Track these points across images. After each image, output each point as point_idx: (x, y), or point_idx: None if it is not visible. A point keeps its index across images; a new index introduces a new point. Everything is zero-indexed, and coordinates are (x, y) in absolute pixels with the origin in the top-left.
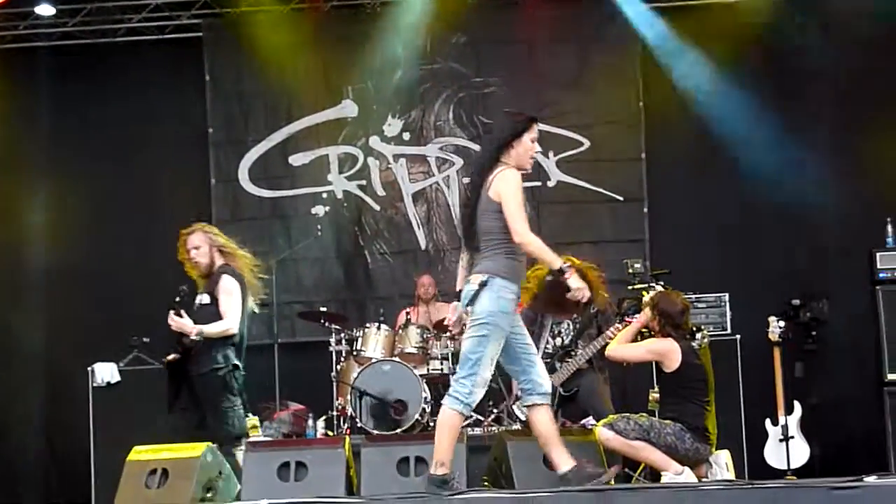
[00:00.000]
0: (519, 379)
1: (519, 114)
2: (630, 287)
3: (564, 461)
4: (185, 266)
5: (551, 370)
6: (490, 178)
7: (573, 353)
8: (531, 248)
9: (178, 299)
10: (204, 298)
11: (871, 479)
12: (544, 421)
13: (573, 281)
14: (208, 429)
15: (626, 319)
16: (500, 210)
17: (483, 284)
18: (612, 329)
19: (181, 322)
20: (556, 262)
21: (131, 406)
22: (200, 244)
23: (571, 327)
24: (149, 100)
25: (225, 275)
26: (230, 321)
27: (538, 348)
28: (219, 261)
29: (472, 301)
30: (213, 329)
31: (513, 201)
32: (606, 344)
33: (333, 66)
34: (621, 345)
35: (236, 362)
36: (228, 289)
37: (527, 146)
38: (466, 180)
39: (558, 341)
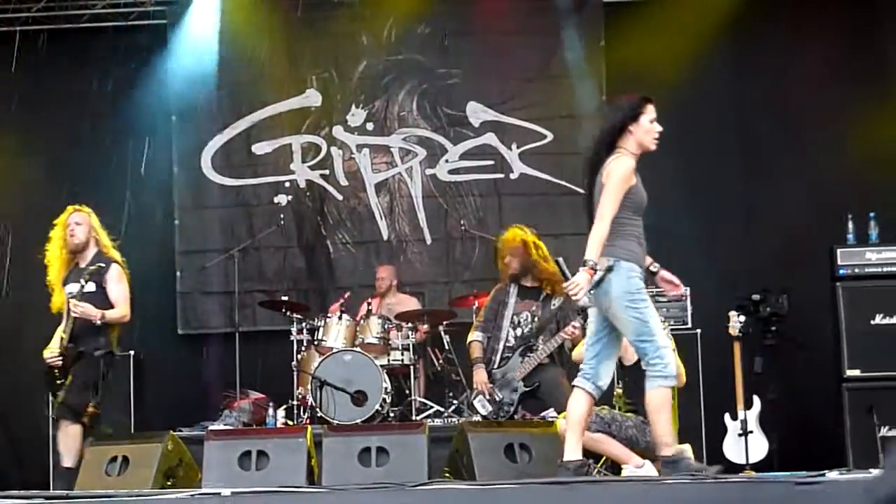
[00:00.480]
0: (586, 361)
1: (632, 96)
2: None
3: (572, 452)
4: (50, 249)
5: (513, 364)
6: (606, 163)
7: (535, 348)
8: (594, 230)
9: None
10: (89, 286)
11: (832, 475)
12: (579, 409)
13: (579, 275)
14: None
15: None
16: None
17: (610, 269)
18: (572, 325)
19: (86, 307)
20: (591, 256)
21: None
22: (83, 222)
23: (530, 319)
24: (112, 86)
25: (115, 264)
26: (125, 308)
27: (499, 339)
28: (93, 247)
29: (598, 285)
30: (113, 314)
31: (612, 188)
32: (567, 340)
33: (298, 55)
34: (579, 352)
35: (114, 350)
36: (119, 277)
37: (646, 127)
38: (430, 171)
39: (518, 332)
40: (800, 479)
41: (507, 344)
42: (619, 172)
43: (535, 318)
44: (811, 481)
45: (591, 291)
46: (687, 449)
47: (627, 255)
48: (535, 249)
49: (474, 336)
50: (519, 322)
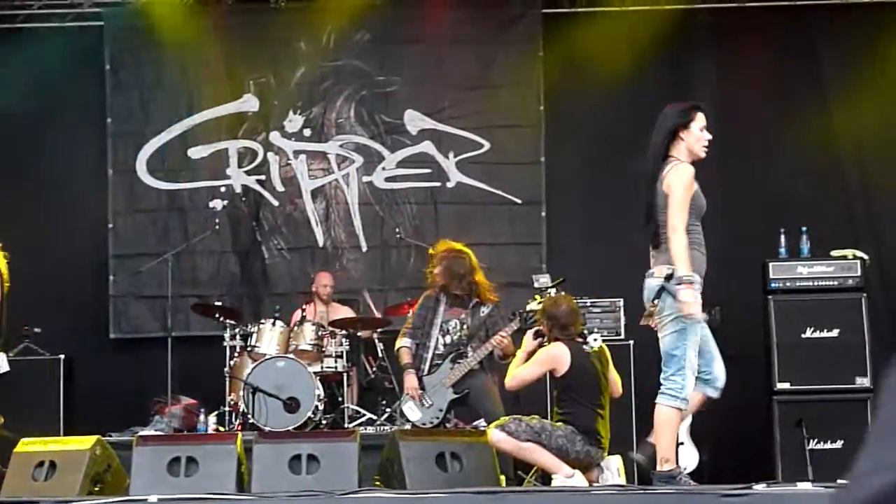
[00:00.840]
0: (700, 369)
1: (682, 104)
2: (536, 300)
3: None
4: None
5: (443, 371)
6: (664, 172)
7: (465, 355)
8: (673, 244)
9: None
10: None
11: (759, 487)
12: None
13: (683, 294)
14: None
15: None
16: None
17: (668, 277)
18: (500, 334)
19: None
20: (683, 270)
21: (20, 397)
22: None
23: (459, 326)
24: (49, 88)
25: None
26: None
27: (427, 347)
28: None
29: (658, 296)
30: None
31: (677, 195)
32: (496, 348)
33: (235, 59)
34: (514, 371)
35: None
36: None
37: (696, 135)
38: (367, 178)
39: (447, 339)
40: (726, 490)
41: (437, 351)
42: (682, 181)
43: (464, 326)
44: (737, 493)
45: (655, 301)
46: (606, 460)
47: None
48: (462, 262)
49: (403, 342)
50: (448, 329)
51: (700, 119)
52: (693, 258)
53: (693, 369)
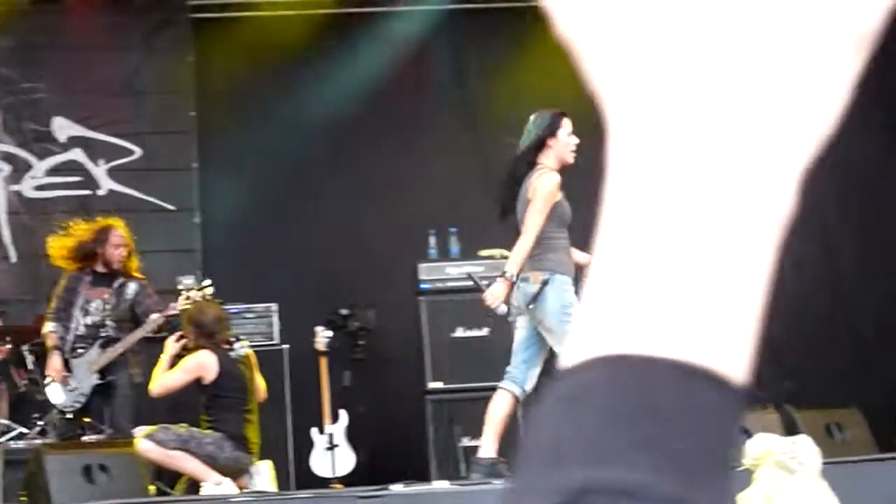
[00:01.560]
0: (516, 365)
1: (547, 111)
2: (183, 304)
3: (487, 450)
4: None
5: (91, 354)
6: (531, 179)
7: (116, 340)
8: (520, 243)
9: None
10: None
11: (396, 487)
12: (502, 408)
13: (495, 287)
14: None
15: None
16: None
17: (545, 283)
18: (152, 318)
19: None
20: (510, 268)
21: None
22: None
23: (102, 306)
24: None
25: None
26: None
27: (69, 329)
28: None
29: (535, 300)
30: None
31: (540, 202)
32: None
33: None
34: (160, 378)
35: None
36: None
37: (564, 141)
38: (15, 188)
39: (89, 320)
40: (363, 492)
41: (78, 332)
42: (546, 189)
43: (107, 306)
44: (374, 495)
45: (530, 306)
46: (257, 466)
47: (562, 269)
48: (91, 237)
49: (48, 327)
50: (89, 310)
51: (567, 125)
52: (563, 262)
53: None
